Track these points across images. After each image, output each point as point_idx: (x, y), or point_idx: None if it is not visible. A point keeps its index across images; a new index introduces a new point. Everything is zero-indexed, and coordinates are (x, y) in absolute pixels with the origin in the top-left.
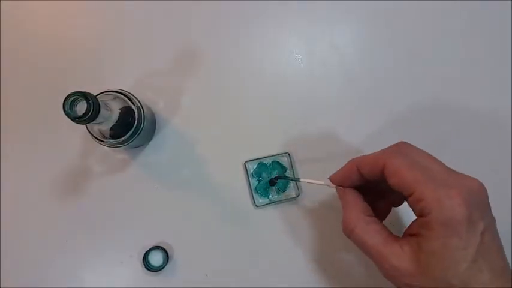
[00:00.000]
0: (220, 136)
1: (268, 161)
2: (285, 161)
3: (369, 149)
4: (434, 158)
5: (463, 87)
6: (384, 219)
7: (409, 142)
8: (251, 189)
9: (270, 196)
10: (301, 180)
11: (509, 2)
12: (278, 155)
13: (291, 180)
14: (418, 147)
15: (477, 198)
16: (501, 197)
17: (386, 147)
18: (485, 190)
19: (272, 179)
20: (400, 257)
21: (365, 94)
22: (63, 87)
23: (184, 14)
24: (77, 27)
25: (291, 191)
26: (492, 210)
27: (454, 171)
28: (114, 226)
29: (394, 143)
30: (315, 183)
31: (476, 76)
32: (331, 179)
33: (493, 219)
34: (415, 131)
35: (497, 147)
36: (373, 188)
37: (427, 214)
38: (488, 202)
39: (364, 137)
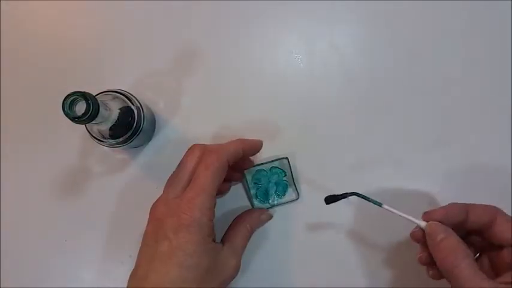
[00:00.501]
0: (220, 136)
1: (267, 167)
2: (284, 165)
3: (369, 149)
4: None
5: (463, 87)
6: None
7: (410, 142)
8: (250, 196)
9: (270, 201)
10: (385, 207)
11: (509, 2)
12: (277, 160)
13: (373, 203)
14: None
15: None
16: (501, 196)
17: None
18: None
19: (342, 195)
20: None
21: (365, 94)
22: (63, 87)
23: (184, 14)
24: (77, 27)
25: (291, 195)
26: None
27: None
28: (114, 226)
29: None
30: (405, 217)
31: (477, 76)
32: (428, 215)
33: None
34: (415, 131)
35: (498, 147)
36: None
37: None
38: None
39: (364, 137)
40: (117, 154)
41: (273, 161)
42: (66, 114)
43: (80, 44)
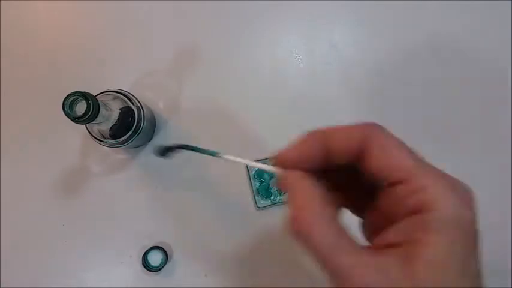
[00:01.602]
0: (220, 136)
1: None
2: None
3: None
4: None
5: (463, 87)
6: None
7: (409, 142)
8: (253, 191)
9: (272, 197)
10: (220, 155)
11: (509, 2)
12: None
13: (202, 153)
14: (419, 145)
15: (469, 200)
16: (502, 194)
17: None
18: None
19: (167, 147)
20: (382, 271)
21: (365, 94)
22: (63, 87)
23: (185, 14)
24: (77, 27)
25: None
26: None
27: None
28: (114, 226)
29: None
30: (241, 161)
31: (477, 76)
32: (281, 157)
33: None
34: (415, 131)
35: (498, 146)
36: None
37: (428, 210)
38: None
39: None
40: (117, 154)
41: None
42: (67, 114)
43: (80, 44)
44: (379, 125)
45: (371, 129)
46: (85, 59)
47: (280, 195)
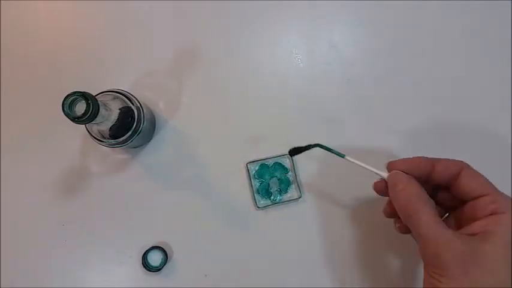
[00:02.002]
0: (220, 136)
1: (270, 162)
2: (286, 162)
3: (369, 149)
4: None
5: (463, 87)
6: None
7: (409, 142)
8: (253, 191)
9: (272, 197)
10: (348, 158)
11: (509, 2)
12: (280, 156)
13: (336, 154)
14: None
15: None
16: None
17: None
18: None
19: (301, 147)
20: (467, 243)
21: (365, 94)
22: (63, 87)
23: (184, 14)
24: (77, 27)
25: (293, 193)
26: None
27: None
28: (114, 226)
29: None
30: (369, 169)
31: (477, 76)
32: (393, 164)
33: None
34: (415, 131)
35: (498, 147)
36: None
37: (500, 213)
38: None
39: (364, 136)
40: (117, 154)
41: (276, 156)
42: (66, 115)
43: (80, 44)
44: (467, 164)
45: (464, 164)
46: (85, 59)
47: (280, 195)
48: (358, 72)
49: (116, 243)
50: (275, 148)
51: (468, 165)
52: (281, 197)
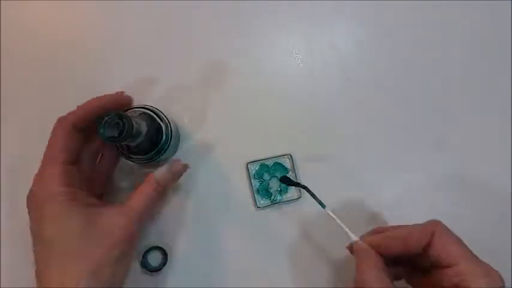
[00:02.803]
0: (221, 136)
1: (270, 162)
2: (287, 162)
3: (369, 148)
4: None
5: (463, 86)
6: None
7: (409, 141)
8: (253, 191)
9: (272, 197)
10: (328, 211)
11: (509, 2)
12: (280, 156)
13: (318, 203)
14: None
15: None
16: (501, 197)
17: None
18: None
19: (284, 178)
20: None
21: (365, 94)
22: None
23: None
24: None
25: (293, 193)
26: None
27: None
28: None
29: (428, 221)
30: (343, 228)
31: (477, 76)
32: (368, 241)
33: None
34: (415, 131)
35: (498, 147)
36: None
37: (465, 286)
38: None
39: (364, 136)
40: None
41: (276, 156)
42: (101, 135)
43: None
44: (441, 223)
45: (436, 226)
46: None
47: (280, 195)
48: (358, 72)
49: None
50: (275, 148)
51: (441, 229)
52: (281, 197)
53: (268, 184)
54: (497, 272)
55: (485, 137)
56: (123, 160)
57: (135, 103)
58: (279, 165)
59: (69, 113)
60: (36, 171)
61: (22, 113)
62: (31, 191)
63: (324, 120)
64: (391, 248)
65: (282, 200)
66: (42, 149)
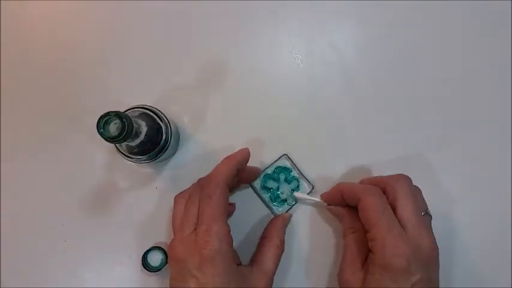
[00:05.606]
0: (221, 136)
1: (270, 170)
2: (286, 162)
3: (369, 149)
4: (414, 204)
5: (463, 86)
6: None
7: (409, 142)
8: (266, 202)
9: (288, 201)
10: (295, 194)
11: (509, 2)
12: (277, 160)
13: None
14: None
15: (422, 255)
16: (501, 197)
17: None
18: (437, 250)
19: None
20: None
21: (365, 94)
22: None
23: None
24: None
25: (305, 187)
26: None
27: (420, 225)
28: (114, 226)
29: (396, 174)
30: (310, 199)
31: (477, 76)
32: (321, 196)
33: (433, 275)
34: (415, 131)
35: (498, 148)
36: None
37: (374, 253)
38: (436, 261)
39: (364, 136)
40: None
41: (274, 162)
42: (101, 134)
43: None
44: (401, 181)
45: (366, 193)
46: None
47: (293, 198)
48: (358, 72)
49: (115, 244)
50: (275, 148)
51: (368, 193)
52: (297, 198)
53: (278, 188)
54: (407, 244)
55: (485, 137)
56: (123, 160)
57: (135, 103)
58: (280, 169)
59: (218, 173)
60: (36, 171)
61: (22, 113)
62: (193, 240)
63: (324, 120)
64: (335, 200)
65: (299, 199)
66: (42, 148)
